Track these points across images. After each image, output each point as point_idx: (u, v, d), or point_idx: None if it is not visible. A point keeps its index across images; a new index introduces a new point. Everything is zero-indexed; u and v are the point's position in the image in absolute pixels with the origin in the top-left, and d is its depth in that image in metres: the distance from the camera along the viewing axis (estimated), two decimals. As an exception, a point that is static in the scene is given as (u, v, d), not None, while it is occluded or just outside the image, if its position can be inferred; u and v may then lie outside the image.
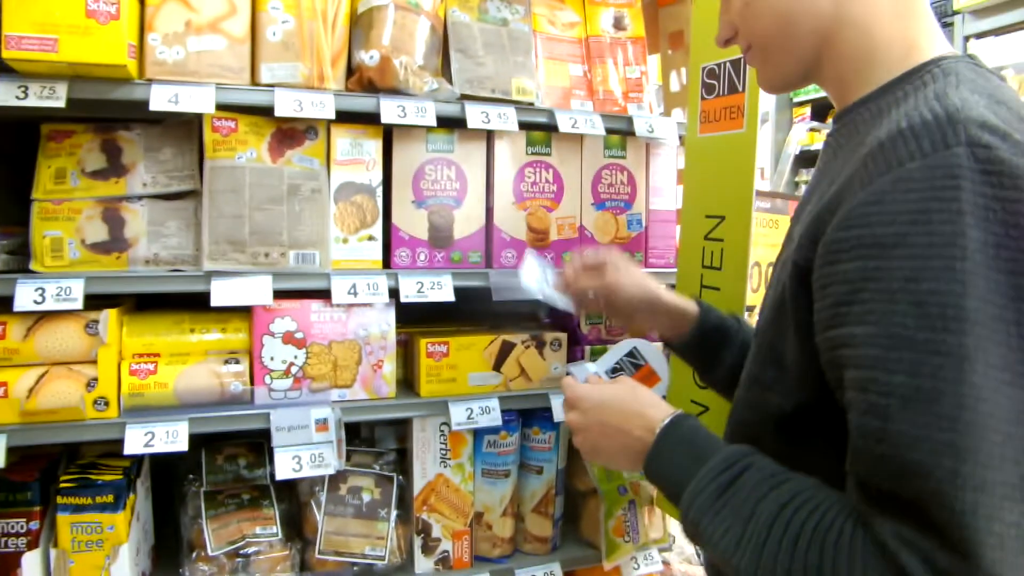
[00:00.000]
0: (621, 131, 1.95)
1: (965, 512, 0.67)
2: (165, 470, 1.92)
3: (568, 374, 1.17)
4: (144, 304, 1.84)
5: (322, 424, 1.65)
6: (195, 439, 1.61)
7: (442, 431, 1.81)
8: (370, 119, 1.72)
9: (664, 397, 1.13)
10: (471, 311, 2.15)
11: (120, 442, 1.53)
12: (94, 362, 1.57)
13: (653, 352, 1.18)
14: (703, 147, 1.76)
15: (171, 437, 1.55)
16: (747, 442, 0.94)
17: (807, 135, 5.90)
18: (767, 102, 6.21)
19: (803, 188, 6.02)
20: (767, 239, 2.47)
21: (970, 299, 0.69)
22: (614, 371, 1.25)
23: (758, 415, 0.99)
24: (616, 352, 1.21)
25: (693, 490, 0.88)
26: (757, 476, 0.86)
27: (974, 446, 0.67)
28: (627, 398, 1.04)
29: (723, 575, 0.94)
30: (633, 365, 1.20)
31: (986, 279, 0.70)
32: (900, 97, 0.85)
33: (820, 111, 6.02)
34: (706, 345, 1.34)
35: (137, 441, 1.53)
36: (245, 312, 1.70)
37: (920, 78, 0.85)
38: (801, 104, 6.11)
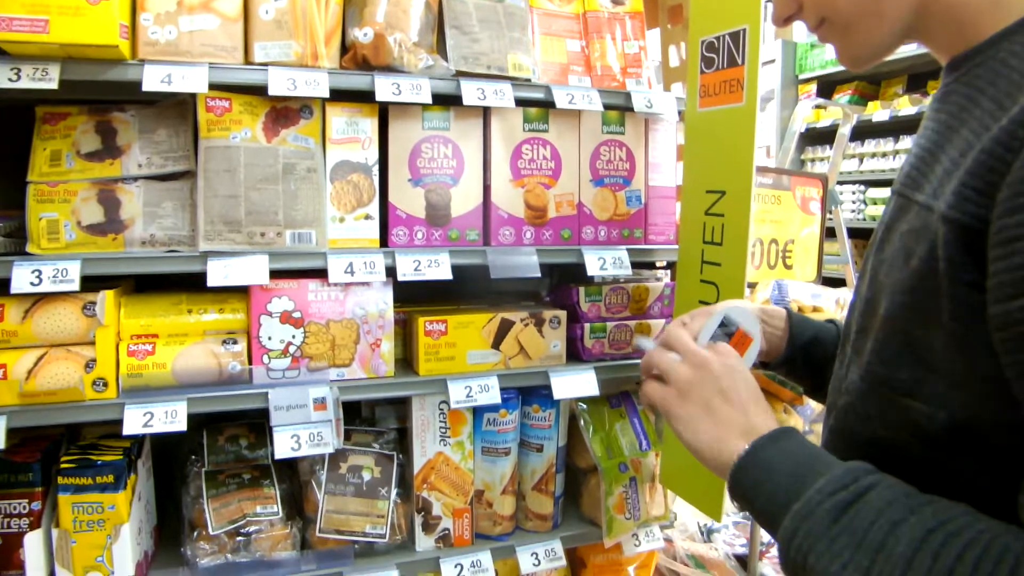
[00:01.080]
0: (619, 107, 1.93)
1: None
2: (167, 450, 1.93)
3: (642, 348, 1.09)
4: (142, 286, 1.84)
5: (320, 403, 1.65)
6: (196, 420, 1.62)
7: (441, 409, 1.81)
8: (365, 97, 1.70)
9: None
10: (470, 289, 2.15)
11: (119, 423, 1.54)
12: (92, 343, 1.57)
13: (744, 314, 1.10)
14: (703, 122, 1.74)
15: (170, 417, 1.56)
16: (875, 464, 0.75)
17: (813, 112, 5.85)
18: (771, 79, 6.16)
19: (810, 166, 5.97)
20: (770, 215, 2.46)
21: None
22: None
23: (893, 430, 0.79)
24: (711, 326, 1.11)
25: (801, 511, 0.71)
26: (888, 495, 0.68)
27: None
28: (744, 387, 0.88)
29: None
30: (726, 335, 1.11)
31: None
32: None
33: (826, 88, 5.97)
34: (808, 362, 1.18)
35: (136, 422, 1.54)
36: (242, 292, 1.70)
37: None
38: (806, 81, 6.06)
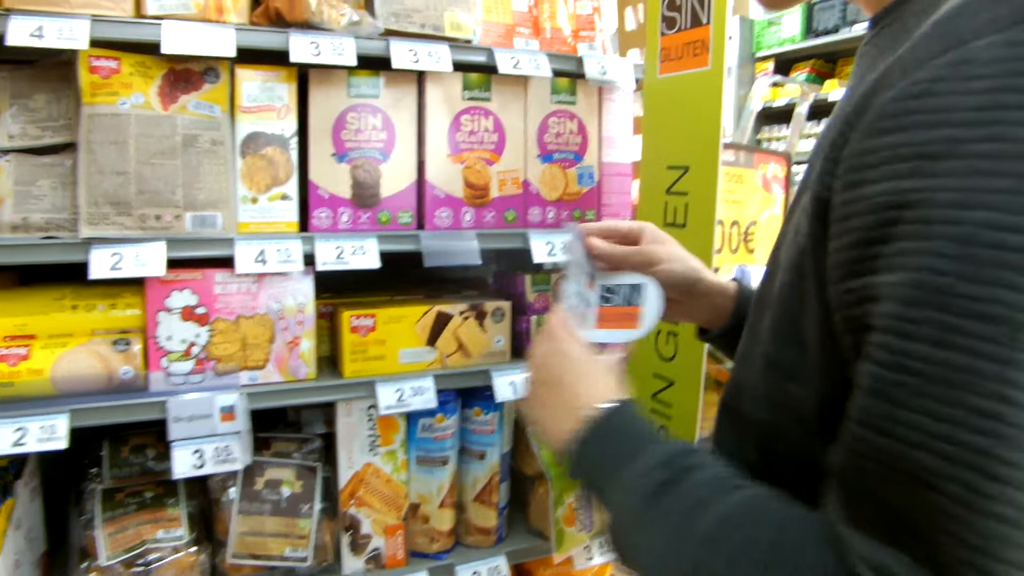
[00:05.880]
0: (570, 73, 1.73)
1: (979, 547, 0.48)
2: (67, 462, 1.69)
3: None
4: (26, 279, 1.60)
5: (228, 412, 1.43)
6: (100, 430, 1.39)
7: (370, 415, 1.60)
8: (280, 59, 1.48)
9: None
10: (406, 276, 1.95)
11: (-15, 440, 1.30)
12: (-50, 347, 1.33)
13: (654, 299, 1.03)
14: (664, 89, 1.56)
15: (47, 433, 1.33)
16: (761, 454, 0.76)
17: (770, 91, 5.74)
18: (728, 56, 6.03)
19: (767, 146, 5.87)
20: (732, 195, 2.29)
21: None
22: (608, 291, 1.07)
23: (777, 414, 0.76)
24: (625, 279, 1.06)
25: (620, 490, 0.72)
26: (702, 477, 0.69)
27: (1013, 459, 0.48)
28: (575, 367, 0.88)
29: None
30: (626, 301, 1.05)
31: None
32: None
33: (782, 66, 5.86)
34: None
35: (5, 440, 1.30)
36: (139, 285, 1.46)
37: None
38: (763, 59, 5.94)
